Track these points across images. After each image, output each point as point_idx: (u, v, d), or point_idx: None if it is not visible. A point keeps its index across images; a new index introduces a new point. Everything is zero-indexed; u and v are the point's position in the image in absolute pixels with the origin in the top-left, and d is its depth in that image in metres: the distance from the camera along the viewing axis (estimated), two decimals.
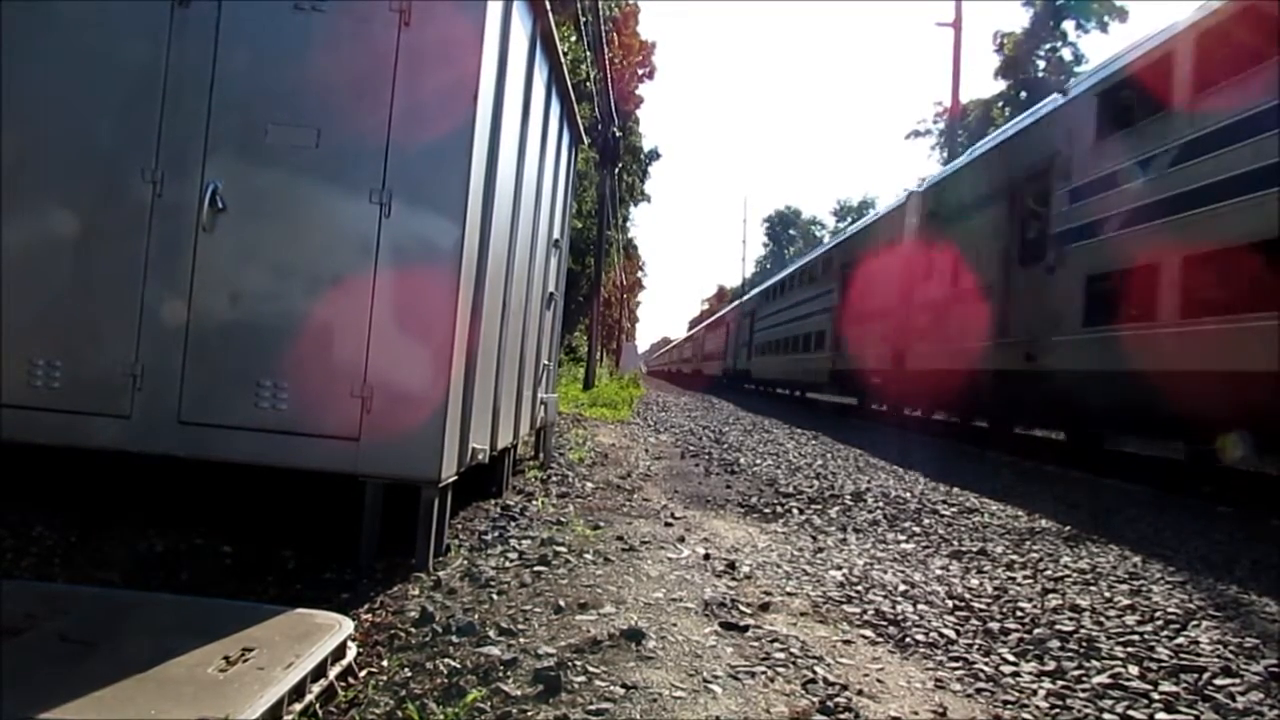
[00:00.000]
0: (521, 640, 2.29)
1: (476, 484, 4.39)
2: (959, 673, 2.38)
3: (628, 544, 3.43)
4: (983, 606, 3.05)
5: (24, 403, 3.10)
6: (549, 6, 4.25)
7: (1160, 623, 2.95)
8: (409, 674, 2.17)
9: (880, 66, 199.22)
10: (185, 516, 3.33)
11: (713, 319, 48.23)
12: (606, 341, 41.35)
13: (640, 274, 63.40)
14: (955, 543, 4.23)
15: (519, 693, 1.97)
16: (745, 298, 35.26)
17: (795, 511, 4.86)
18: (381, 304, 3.07)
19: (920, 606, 2.99)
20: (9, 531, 3.07)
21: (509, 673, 2.07)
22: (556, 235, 5.95)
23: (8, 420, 3.07)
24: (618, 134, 19.80)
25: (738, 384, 32.53)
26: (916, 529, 4.55)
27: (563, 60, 4.99)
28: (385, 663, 2.30)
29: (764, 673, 2.14)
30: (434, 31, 3.11)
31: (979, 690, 2.26)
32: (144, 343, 3.11)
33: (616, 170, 23.68)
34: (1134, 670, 2.46)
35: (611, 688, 1.96)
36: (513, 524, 3.93)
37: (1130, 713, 2.17)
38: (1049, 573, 3.67)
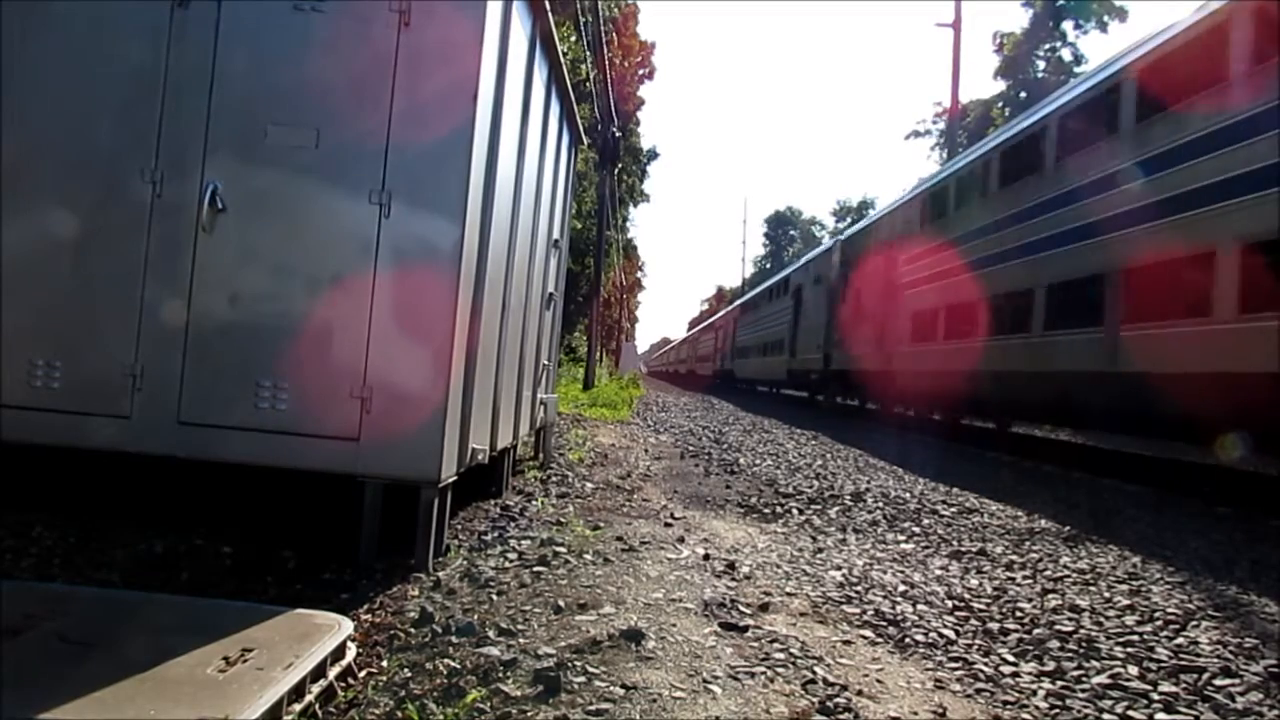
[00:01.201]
0: (521, 641, 2.29)
1: (476, 484, 4.39)
2: (958, 673, 2.38)
3: (627, 544, 3.43)
4: (982, 607, 3.05)
5: (24, 403, 3.10)
6: (548, 7, 4.26)
7: (1160, 623, 2.96)
8: (409, 674, 2.17)
9: (880, 67, 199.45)
10: (185, 517, 3.33)
11: (756, 292, 32.22)
12: (606, 342, 41.37)
13: (640, 274, 63.40)
14: (955, 543, 4.23)
15: (519, 693, 1.97)
16: (846, 234, 18.67)
17: (795, 512, 4.86)
18: (381, 304, 3.07)
19: (920, 607, 2.99)
20: (9, 532, 3.07)
21: (509, 673, 2.07)
22: (556, 235, 5.95)
23: (7, 421, 3.07)
24: (617, 134, 19.80)
25: (818, 396, 18.84)
26: (916, 529, 4.55)
27: (562, 61, 4.99)
28: (385, 663, 2.30)
29: (763, 673, 2.14)
30: (434, 32, 3.11)
31: (979, 690, 2.26)
32: (143, 343, 3.11)
33: (616, 171, 23.69)
34: (1133, 670, 2.46)
35: (611, 688, 1.96)
36: (512, 524, 3.93)
37: (1130, 713, 2.17)
38: (1048, 573, 3.67)
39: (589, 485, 5.27)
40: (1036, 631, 2.79)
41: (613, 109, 18.70)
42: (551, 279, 5.98)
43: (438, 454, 3.04)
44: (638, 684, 1.98)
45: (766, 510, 4.86)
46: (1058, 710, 2.17)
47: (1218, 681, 2.39)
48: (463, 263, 3.12)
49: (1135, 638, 2.76)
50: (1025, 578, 3.57)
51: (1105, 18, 28.90)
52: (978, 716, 2.08)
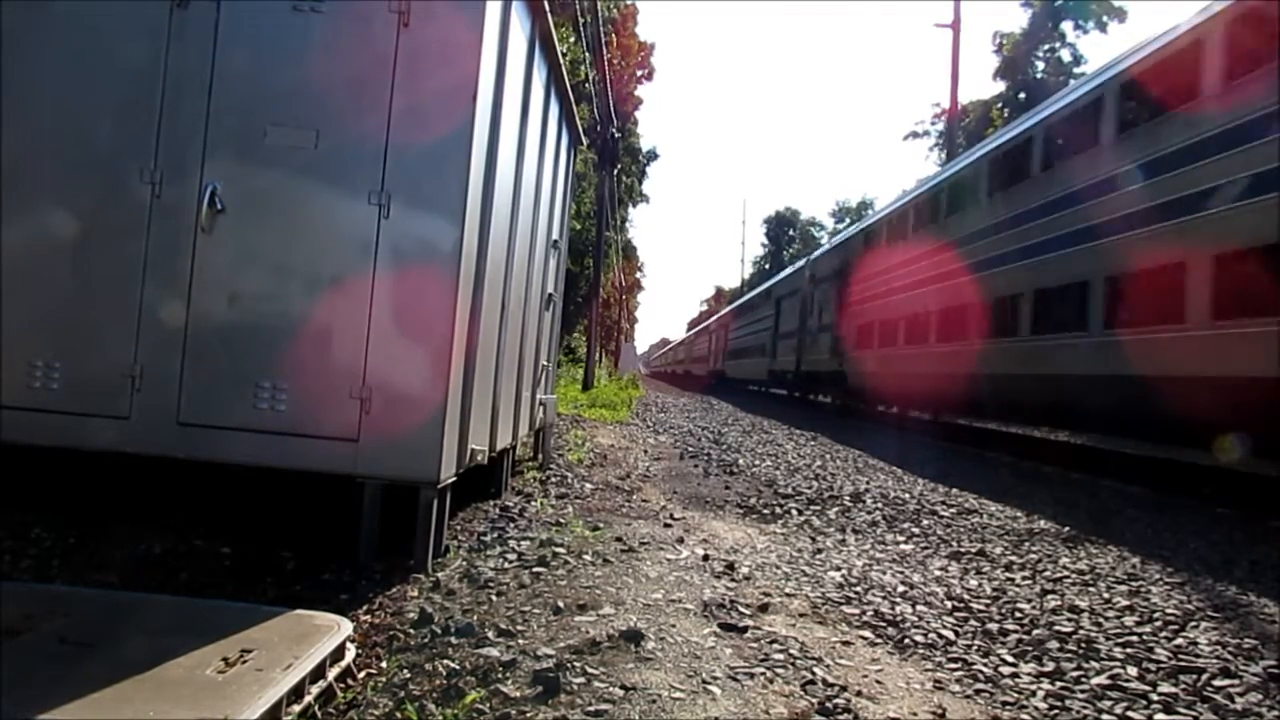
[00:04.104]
0: (520, 641, 2.29)
1: (475, 485, 4.39)
2: (958, 674, 2.38)
3: (627, 545, 3.43)
4: (981, 607, 3.05)
5: (23, 404, 3.09)
6: (548, 8, 4.26)
7: (1159, 624, 2.96)
8: (408, 675, 2.17)
9: (879, 68, 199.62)
10: (184, 518, 3.32)
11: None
12: (605, 342, 41.35)
13: (639, 275, 63.35)
14: (954, 544, 4.23)
15: (518, 694, 1.96)
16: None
17: (794, 512, 4.86)
18: (380, 305, 3.06)
19: (919, 607, 2.99)
20: (8, 533, 3.06)
21: (508, 674, 2.07)
22: (555, 236, 5.95)
23: (7, 421, 3.07)
24: (616, 135, 19.80)
25: None
26: (915, 530, 4.55)
27: (561, 61, 4.99)
28: (384, 664, 2.30)
29: (763, 674, 2.14)
30: (433, 32, 3.11)
31: (978, 691, 2.26)
32: (143, 344, 3.11)
33: (615, 171, 23.69)
34: (1133, 671, 2.46)
35: (610, 689, 1.96)
36: (512, 525, 3.93)
37: (1129, 714, 2.17)
38: (1048, 574, 3.67)
39: (588, 486, 5.27)
40: (1036, 632, 2.79)
41: (611, 110, 18.70)
42: (551, 280, 5.97)
43: (437, 455, 3.04)
44: (637, 685, 1.98)
45: (766, 511, 4.86)
46: (1057, 711, 2.17)
47: (1217, 682, 2.39)
48: (462, 263, 3.12)
49: (1134, 638, 2.77)
50: (1024, 578, 3.57)
51: (1105, 18, 28.91)
52: (977, 717, 2.08)
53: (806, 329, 19.58)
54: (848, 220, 60.20)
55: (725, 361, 35.99)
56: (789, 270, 25.72)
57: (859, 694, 2.11)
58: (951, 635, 2.71)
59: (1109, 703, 2.23)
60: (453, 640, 2.32)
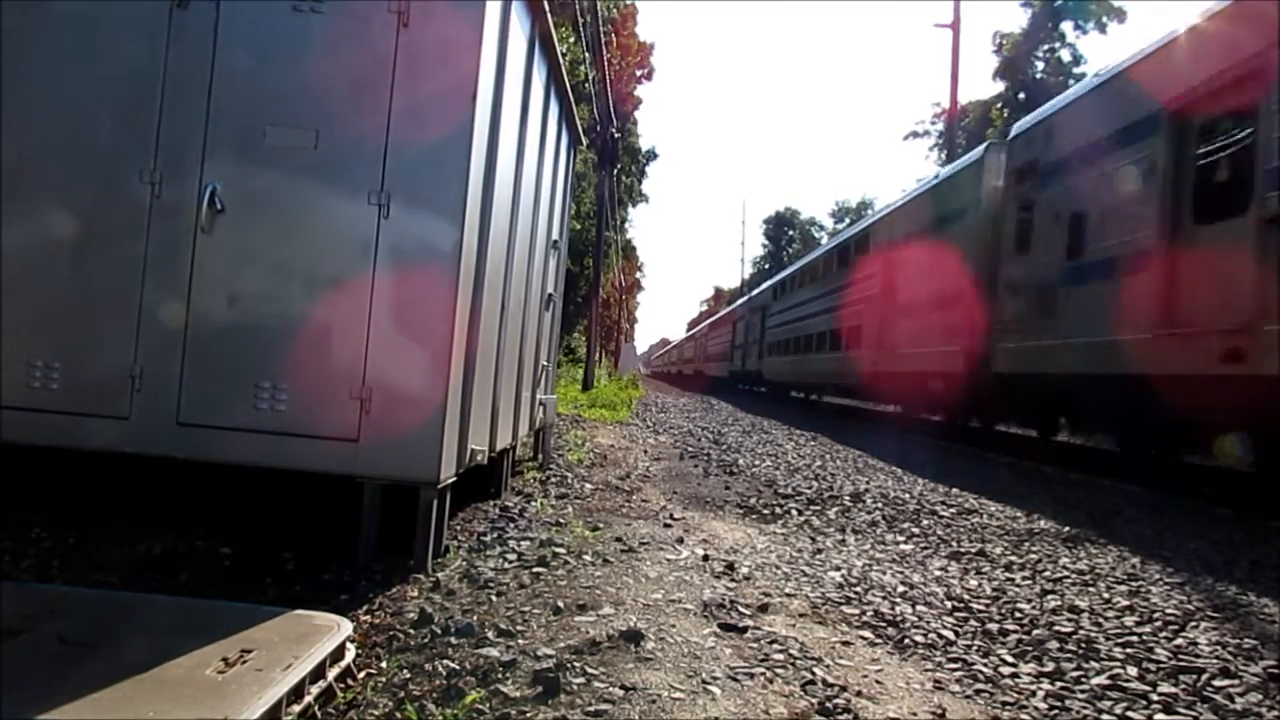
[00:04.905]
0: (520, 641, 2.29)
1: (475, 485, 4.39)
2: (958, 674, 2.38)
3: (627, 545, 3.43)
4: (981, 607, 3.05)
5: (23, 404, 3.10)
6: (547, 8, 4.26)
7: (1159, 624, 2.95)
8: (408, 675, 2.17)
9: (879, 68, 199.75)
10: (184, 518, 3.32)
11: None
12: (605, 343, 41.39)
13: (639, 275, 63.40)
14: (954, 544, 4.23)
15: (518, 694, 1.97)
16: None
17: (794, 513, 4.86)
18: (380, 305, 3.07)
19: (919, 607, 2.99)
20: (8, 533, 3.06)
21: (508, 674, 2.07)
22: (555, 236, 5.95)
23: (7, 421, 3.07)
24: (616, 135, 19.80)
25: None
26: (915, 530, 4.55)
27: (561, 61, 4.99)
28: (384, 664, 2.30)
29: (763, 674, 2.14)
30: (433, 32, 3.11)
31: (978, 691, 2.26)
32: (142, 344, 3.11)
33: (615, 171, 23.69)
34: (1133, 671, 2.46)
35: (610, 689, 1.96)
36: (511, 525, 3.93)
37: (1129, 714, 2.17)
38: (1048, 574, 3.67)
39: (588, 486, 5.27)
40: (1036, 632, 2.79)
41: (611, 110, 18.71)
42: (550, 280, 5.98)
43: (437, 455, 3.04)
44: (637, 685, 1.98)
45: (766, 511, 4.86)
46: (1057, 711, 2.17)
47: (1217, 682, 2.39)
48: (462, 264, 3.12)
49: (1134, 638, 2.76)
50: (1024, 578, 3.57)
51: (1104, 19, 28.92)
52: (977, 717, 2.08)
53: (1029, 285, 8.81)
54: (847, 220, 59.78)
55: (764, 359, 25.51)
56: (913, 191, 13.57)
57: (859, 694, 2.11)
58: (951, 635, 2.71)
59: (1109, 703, 2.23)
60: (453, 640, 2.32)
